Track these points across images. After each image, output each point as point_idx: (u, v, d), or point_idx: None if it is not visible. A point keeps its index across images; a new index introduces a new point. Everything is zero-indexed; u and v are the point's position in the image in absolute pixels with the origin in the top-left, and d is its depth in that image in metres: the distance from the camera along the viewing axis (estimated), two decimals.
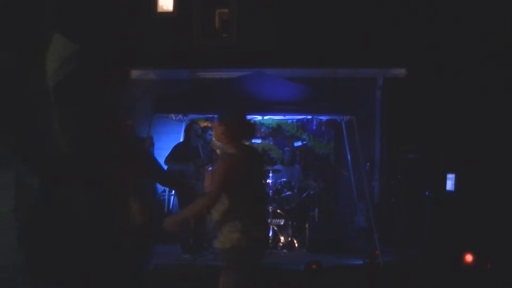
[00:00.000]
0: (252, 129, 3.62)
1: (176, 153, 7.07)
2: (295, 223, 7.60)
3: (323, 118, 8.63)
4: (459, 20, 9.15)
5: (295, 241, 7.50)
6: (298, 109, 7.31)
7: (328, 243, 7.23)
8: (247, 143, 3.98)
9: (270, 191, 7.51)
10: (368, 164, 8.32)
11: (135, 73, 9.04)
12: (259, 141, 8.73)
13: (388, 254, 6.81)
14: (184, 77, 9.12)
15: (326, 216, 8.26)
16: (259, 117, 8.45)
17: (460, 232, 6.36)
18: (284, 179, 7.86)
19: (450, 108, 8.79)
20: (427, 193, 7.23)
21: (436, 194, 7.15)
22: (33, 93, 1.32)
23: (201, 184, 7.17)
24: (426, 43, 8.99)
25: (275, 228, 7.40)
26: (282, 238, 7.41)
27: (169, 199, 8.17)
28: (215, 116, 7.07)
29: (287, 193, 7.69)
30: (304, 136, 8.83)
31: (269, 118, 8.61)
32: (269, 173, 7.57)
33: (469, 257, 6.01)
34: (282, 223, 7.47)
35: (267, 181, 7.56)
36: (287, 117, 8.46)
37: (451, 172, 7.04)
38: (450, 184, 7.03)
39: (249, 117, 8.19)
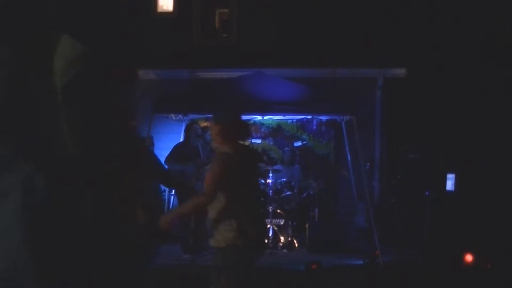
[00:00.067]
0: (247, 129, 3.63)
1: (176, 153, 7.07)
2: (295, 223, 7.60)
3: (323, 118, 8.64)
4: (459, 20, 9.15)
5: (295, 241, 7.51)
6: (298, 109, 7.31)
7: (328, 243, 7.23)
8: (246, 143, 3.99)
9: (270, 191, 7.51)
10: (368, 164, 8.32)
11: None
12: (259, 141, 8.73)
13: (388, 254, 6.81)
14: (184, 77, 9.13)
15: (326, 216, 8.27)
16: (259, 117, 8.46)
17: (460, 232, 6.36)
18: (284, 179, 7.86)
19: (450, 108, 8.79)
20: (427, 193, 7.23)
21: (436, 194, 7.16)
22: (37, 93, 1.32)
23: (201, 184, 7.17)
24: (426, 43, 8.99)
25: (275, 228, 7.39)
26: (282, 238, 7.41)
27: (169, 199, 8.17)
28: None
29: (287, 193, 7.69)
30: (304, 136, 8.83)
31: (269, 118, 8.61)
32: (269, 173, 7.57)
33: (469, 257, 6.01)
34: (282, 223, 7.47)
35: (267, 181, 7.56)
36: (287, 117, 8.46)
37: (451, 172, 7.04)
38: (450, 184, 7.03)
39: (249, 117, 8.23)
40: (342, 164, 8.60)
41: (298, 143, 8.63)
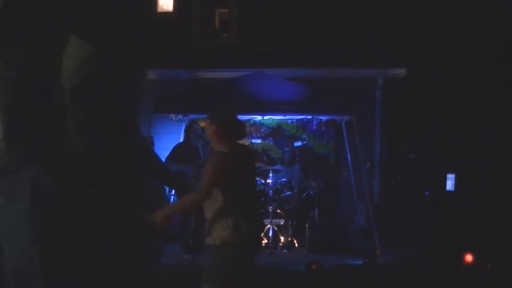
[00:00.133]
0: (243, 128, 3.62)
1: (176, 153, 7.07)
2: (295, 223, 7.60)
3: (323, 118, 8.63)
4: (459, 20, 9.15)
5: (295, 241, 7.50)
6: (298, 109, 7.30)
7: (328, 243, 7.23)
8: (246, 143, 3.99)
9: (270, 191, 7.51)
10: (368, 164, 8.32)
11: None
12: (259, 141, 8.72)
13: (388, 254, 6.81)
14: (184, 77, 9.13)
15: (326, 216, 8.27)
16: (259, 117, 8.45)
17: (460, 232, 6.36)
18: (284, 179, 7.86)
19: (450, 108, 8.79)
20: (427, 193, 7.23)
21: (436, 194, 7.16)
22: (45, 95, 1.32)
23: (201, 184, 7.17)
24: (426, 43, 8.99)
25: (275, 228, 7.39)
26: (282, 238, 7.41)
27: (169, 199, 8.17)
28: None
29: (287, 193, 7.69)
30: (304, 136, 8.83)
31: (269, 118, 8.61)
32: (269, 173, 7.57)
33: (469, 257, 6.02)
34: (282, 223, 7.47)
35: (267, 181, 7.56)
36: (287, 117, 8.46)
37: (451, 172, 7.04)
38: (450, 184, 7.03)
39: (249, 117, 8.23)
40: (342, 164, 8.60)
41: (298, 143, 8.63)
